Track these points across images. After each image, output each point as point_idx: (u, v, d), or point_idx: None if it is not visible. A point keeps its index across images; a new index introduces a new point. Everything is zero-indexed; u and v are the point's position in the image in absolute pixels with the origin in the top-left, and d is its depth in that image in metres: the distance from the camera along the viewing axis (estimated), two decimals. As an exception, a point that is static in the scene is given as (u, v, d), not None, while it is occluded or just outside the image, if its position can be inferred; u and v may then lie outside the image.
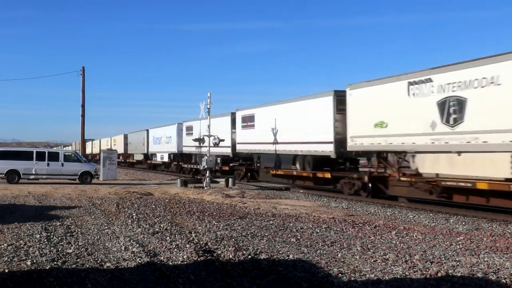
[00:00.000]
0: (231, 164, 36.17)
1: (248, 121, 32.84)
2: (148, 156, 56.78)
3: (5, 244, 10.12)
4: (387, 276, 7.78)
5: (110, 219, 14.26)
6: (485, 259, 9.10)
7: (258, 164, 32.89)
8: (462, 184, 17.14)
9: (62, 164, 29.40)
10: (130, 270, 8.15)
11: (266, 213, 16.09)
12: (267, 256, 9.23)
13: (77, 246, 10.08)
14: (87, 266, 8.43)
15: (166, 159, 49.67)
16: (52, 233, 11.58)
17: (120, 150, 67.20)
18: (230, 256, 9.11)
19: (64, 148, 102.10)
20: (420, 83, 18.69)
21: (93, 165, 32.38)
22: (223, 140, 30.29)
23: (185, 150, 43.79)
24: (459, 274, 7.92)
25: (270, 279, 7.50)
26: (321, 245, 10.45)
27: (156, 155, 53.07)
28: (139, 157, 61.53)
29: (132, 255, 9.26)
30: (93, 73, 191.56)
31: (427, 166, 18.81)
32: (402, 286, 7.28)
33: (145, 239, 11.03)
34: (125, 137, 67.57)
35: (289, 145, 27.42)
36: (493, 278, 7.72)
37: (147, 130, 55.92)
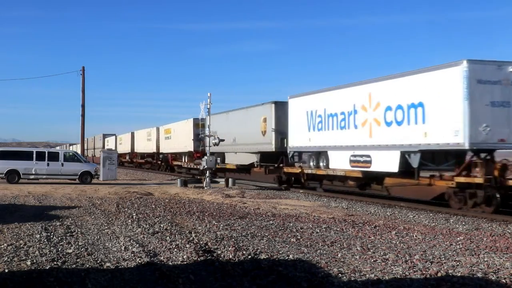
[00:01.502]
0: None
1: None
2: (277, 157, 28.16)
3: (5, 244, 10.12)
4: (387, 276, 7.78)
5: (110, 219, 14.26)
6: (485, 259, 9.10)
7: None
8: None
9: (62, 164, 29.41)
10: (130, 270, 8.15)
11: (266, 213, 16.09)
12: (267, 256, 9.24)
13: (77, 246, 10.08)
14: (87, 266, 8.43)
15: (390, 166, 19.58)
16: (52, 233, 11.58)
17: (182, 147, 41.89)
18: (230, 256, 9.11)
19: (70, 147, 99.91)
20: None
21: (93, 165, 32.45)
22: (223, 140, 30.20)
23: None
24: (459, 274, 7.92)
25: (270, 279, 7.50)
26: (321, 245, 10.45)
27: (327, 155, 23.89)
28: (245, 159, 31.70)
29: (132, 255, 9.26)
30: (93, 73, 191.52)
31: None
32: (402, 286, 7.28)
33: (145, 239, 11.03)
34: (198, 124, 37.52)
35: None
36: (493, 278, 7.72)
37: (276, 103, 27.71)
